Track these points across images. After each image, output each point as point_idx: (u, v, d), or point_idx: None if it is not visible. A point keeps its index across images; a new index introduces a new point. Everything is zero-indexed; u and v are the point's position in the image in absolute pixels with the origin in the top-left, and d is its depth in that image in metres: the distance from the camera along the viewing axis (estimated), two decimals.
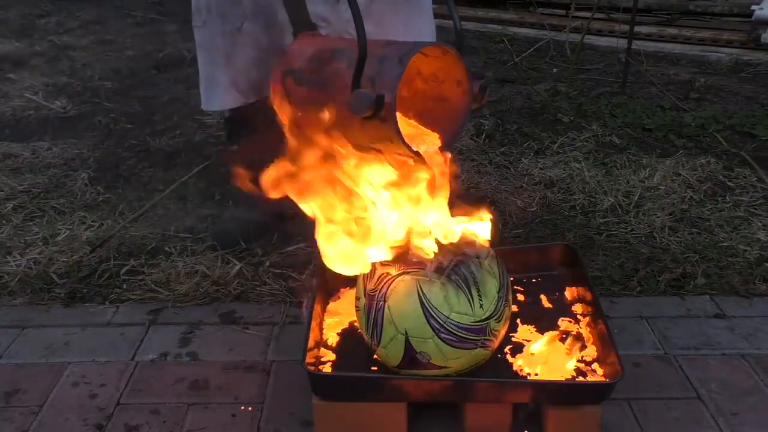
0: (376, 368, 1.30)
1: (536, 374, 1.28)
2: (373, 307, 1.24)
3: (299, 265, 1.84)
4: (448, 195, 1.26)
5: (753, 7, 3.81)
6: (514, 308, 1.43)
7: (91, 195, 2.25)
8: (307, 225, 1.30)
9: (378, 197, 1.25)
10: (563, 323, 1.41)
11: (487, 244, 1.29)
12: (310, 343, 1.28)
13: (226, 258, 1.86)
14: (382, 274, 1.24)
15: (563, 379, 1.27)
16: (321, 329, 1.40)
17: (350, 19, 1.13)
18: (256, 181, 1.24)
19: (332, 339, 1.39)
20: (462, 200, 1.31)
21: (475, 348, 1.22)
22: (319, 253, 1.29)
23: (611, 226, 2.04)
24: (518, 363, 1.31)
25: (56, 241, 1.96)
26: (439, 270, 1.22)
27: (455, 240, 1.24)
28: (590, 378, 1.28)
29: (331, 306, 1.48)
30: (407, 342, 1.21)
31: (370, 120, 1.13)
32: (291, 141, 1.25)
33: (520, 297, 1.49)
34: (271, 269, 1.83)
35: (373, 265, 1.27)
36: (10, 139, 2.72)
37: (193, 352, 1.55)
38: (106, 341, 1.58)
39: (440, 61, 1.25)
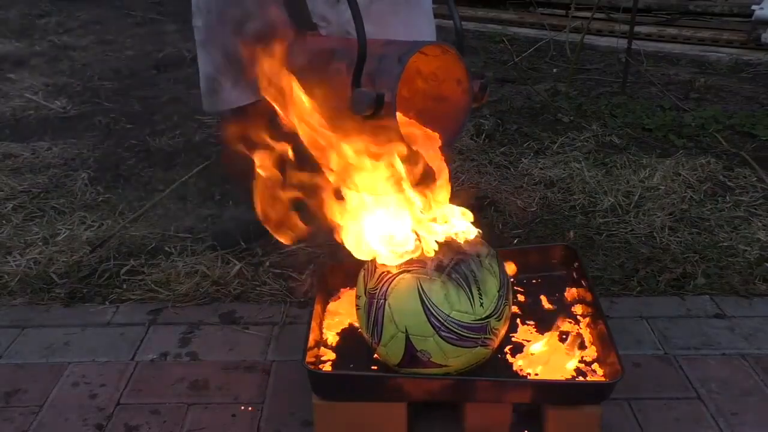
0: (376, 367, 1.30)
1: (536, 374, 1.28)
2: (373, 306, 1.24)
3: (299, 265, 1.84)
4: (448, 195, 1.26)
5: (753, 7, 3.81)
6: (515, 309, 1.42)
7: (91, 195, 2.25)
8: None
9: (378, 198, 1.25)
10: (563, 324, 1.41)
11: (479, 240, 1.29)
12: (310, 342, 1.28)
13: (226, 258, 1.86)
14: (383, 272, 1.24)
15: (563, 379, 1.27)
16: (321, 329, 1.40)
17: (350, 18, 1.13)
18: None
19: (332, 338, 1.39)
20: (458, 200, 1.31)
21: (476, 346, 1.22)
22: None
23: (611, 226, 2.04)
24: (518, 363, 1.31)
25: (56, 241, 1.96)
26: (440, 268, 1.22)
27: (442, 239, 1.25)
28: (590, 378, 1.28)
29: (331, 306, 1.48)
30: (408, 340, 1.21)
31: (371, 119, 1.13)
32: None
33: (521, 297, 1.49)
34: (271, 269, 1.83)
35: (374, 263, 1.27)
36: (10, 139, 2.72)
37: (193, 352, 1.55)
38: (106, 341, 1.58)
39: (440, 60, 1.25)
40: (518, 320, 1.41)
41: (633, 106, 2.92)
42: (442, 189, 1.25)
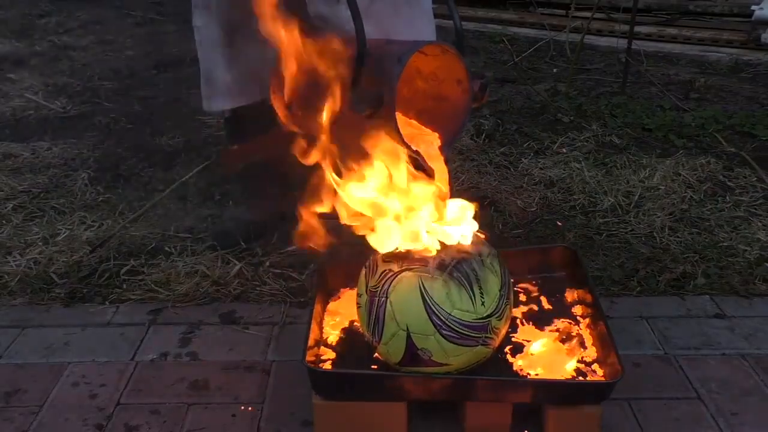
0: (376, 367, 1.30)
1: (536, 374, 1.28)
2: (374, 304, 1.24)
3: (299, 265, 1.84)
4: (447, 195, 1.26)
5: (753, 7, 3.81)
6: (515, 310, 1.42)
7: (91, 195, 2.25)
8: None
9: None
10: (564, 324, 1.41)
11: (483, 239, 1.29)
12: (310, 341, 1.28)
13: (226, 258, 1.86)
14: (384, 270, 1.24)
15: (563, 378, 1.27)
16: (321, 328, 1.40)
17: (350, 18, 1.13)
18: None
19: (332, 338, 1.39)
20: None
21: (477, 345, 1.22)
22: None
23: (611, 226, 2.04)
24: (518, 363, 1.31)
25: (56, 241, 1.96)
26: (442, 267, 1.22)
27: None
28: (590, 378, 1.28)
29: (331, 306, 1.48)
30: (409, 338, 1.21)
31: (371, 118, 1.13)
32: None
33: (521, 298, 1.49)
34: (271, 269, 1.83)
35: (375, 261, 1.27)
36: (10, 139, 2.72)
37: (193, 352, 1.55)
38: (106, 341, 1.58)
39: (440, 60, 1.25)
40: (518, 320, 1.41)
41: (633, 106, 2.92)
42: (442, 189, 1.25)
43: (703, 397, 1.39)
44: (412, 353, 1.22)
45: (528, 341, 1.36)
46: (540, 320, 1.42)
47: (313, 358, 1.28)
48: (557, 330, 1.39)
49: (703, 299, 1.72)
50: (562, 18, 4.35)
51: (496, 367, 1.30)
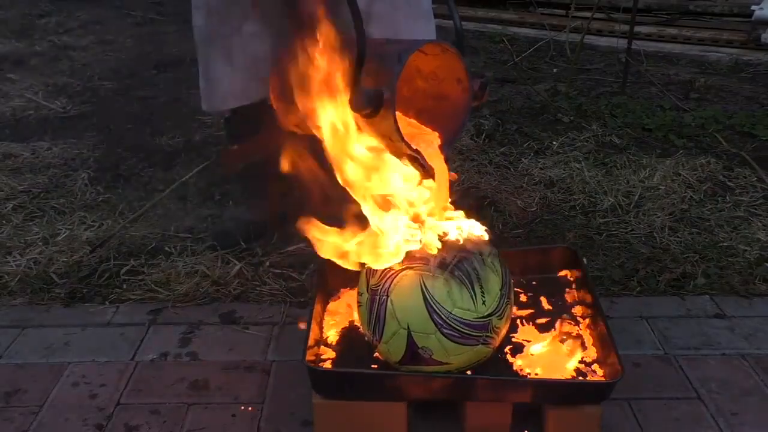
0: (376, 366, 1.30)
1: (536, 374, 1.28)
2: (375, 302, 1.24)
3: (299, 265, 1.84)
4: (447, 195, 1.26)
5: (753, 7, 3.81)
6: (515, 310, 1.42)
7: (91, 195, 2.25)
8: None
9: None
10: (564, 324, 1.41)
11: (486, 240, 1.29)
12: (311, 341, 1.28)
13: (226, 258, 1.86)
14: (385, 268, 1.24)
15: (563, 378, 1.27)
16: (321, 327, 1.40)
17: (350, 18, 1.13)
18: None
19: (332, 337, 1.39)
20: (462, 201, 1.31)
21: (477, 345, 1.22)
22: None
23: (611, 226, 2.04)
24: (518, 363, 1.31)
25: (56, 241, 1.96)
26: (443, 265, 1.22)
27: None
28: (590, 378, 1.27)
29: (331, 306, 1.48)
30: (409, 337, 1.21)
31: (370, 117, 1.13)
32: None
33: (521, 298, 1.49)
34: (271, 269, 1.83)
35: None
36: (10, 139, 2.72)
37: (193, 352, 1.55)
38: (106, 341, 1.58)
39: (440, 60, 1.25)
40: (518, 320, 1.41)
41: (633, 106, 2.92)
42: (442, 188, 1.25)
43: (703, 397, 1.39)
44: (413, 352, 1.22)
45: (528, 341, 1.36)
46: (540, 320, 1.42)
47: (313, 358, 1.28)
48: (557, 330, 1.39)
49: (703, 299, 1.72)
50: (562, 18, 4.35)
51: (496, 367, 1.30)
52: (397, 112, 1.16)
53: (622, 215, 2.10)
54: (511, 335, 1.36)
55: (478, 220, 1.31)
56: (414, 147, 1.21)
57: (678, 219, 2.07)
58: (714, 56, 3.75)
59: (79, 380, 1.46)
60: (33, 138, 2.73)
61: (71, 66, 3.72)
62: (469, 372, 1.26)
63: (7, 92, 3.27)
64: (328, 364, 1.31)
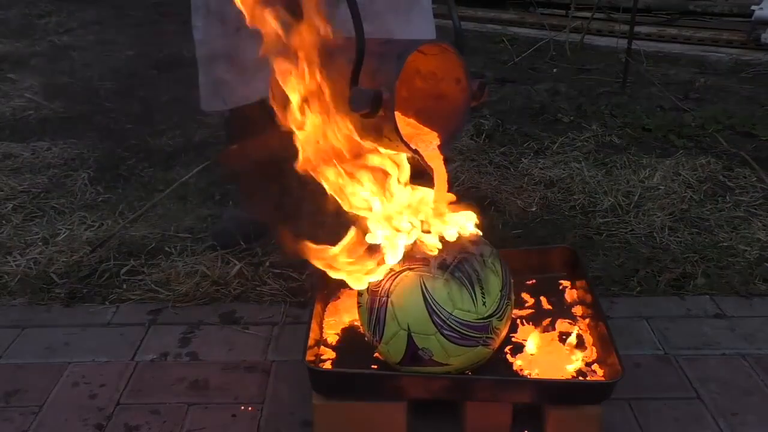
0: (376, 366, 1.30)
1: (536, 374, 1.28)
2: (376, 303, 1.24)
3: (299, 265, 1.84)
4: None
5: (753, 7, 3.81)
6: (515, 310, 1.42)
7: (91, 195, 2.25)
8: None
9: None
10: (563, 324, 1.41)
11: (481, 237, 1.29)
12: (311, 341, 1.28)
13: (226, 258, 1.86)
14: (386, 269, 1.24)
15: (563, 379, 1.27)
16: (321, 328, 1.40)
17: (349, 18, 1.13)
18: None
19: (332, 338, 1.39)
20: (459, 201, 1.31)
21: (477, 346, 1.22)
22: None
23: (611, 226, 2.04)
24: (518, 363, 1.31)
25: (56, 241, 1.96)
26: (443, 266, 1.22)
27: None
28: (590, 378, 1.27)
29: (331, 306, 1.48)
30: (409, 338, 1.21)
31: (369, 117, 1.13)
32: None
33: (521, 298, 1.49)
34: (271, 269, 1.83)
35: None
36: (10, 139, 2.72)
37: (193, 352, 1.55)
38: (106, 341, 1.58)
39: (439, 59, 1.25)
40: (518, 320, 1.41)
41: (633, 106, 2.93)
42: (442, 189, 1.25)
43: (703, 397, 1.39)
44: (413, 353, 1.22)
45: (528, 341, 1.36)
46: (540, 320, 1.42)
47: (313, 358, 1.29)
48: (557, 330, 1.39)
49: (703, 299, 1.72)
50: (562, 18, 4.36)
51: (496, 367, 1.30)
52: (395, 112, 1.16)
53: (622, 215, 2.10)
54: (511, 335, 1.36)
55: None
56: (413, 147, 1.21)
57: (678, 219, 2.07)
58: (714, 56, 3.76)
59: (79, 380, 1.46)
60: (33, 138, 2.73)
61: (71, 66, 3.72)
62: (468, 372, 1.26)
63: (7, 92, 3.27)
64: (328, 365, 1.31)
